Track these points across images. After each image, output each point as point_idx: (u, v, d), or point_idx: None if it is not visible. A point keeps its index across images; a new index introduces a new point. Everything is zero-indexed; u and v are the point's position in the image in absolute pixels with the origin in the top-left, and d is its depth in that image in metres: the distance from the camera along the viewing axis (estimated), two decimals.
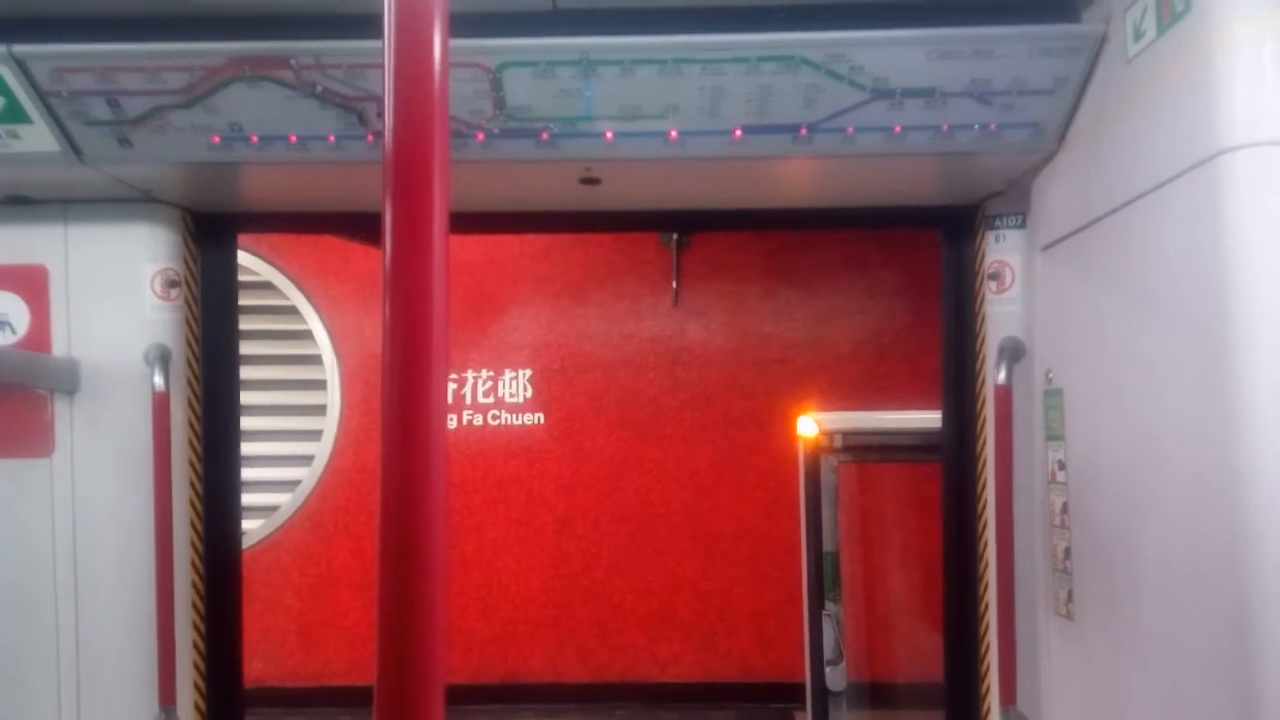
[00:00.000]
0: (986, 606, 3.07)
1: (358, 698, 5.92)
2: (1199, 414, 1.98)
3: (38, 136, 2.57)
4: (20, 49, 2.39)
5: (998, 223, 2.99)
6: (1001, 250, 2.99)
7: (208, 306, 3.14)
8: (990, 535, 3.01)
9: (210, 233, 3.18)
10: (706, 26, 2.39)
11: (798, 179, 2.89)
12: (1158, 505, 2.16)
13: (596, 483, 6.90)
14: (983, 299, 3.06)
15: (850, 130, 2.53)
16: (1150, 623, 2.20)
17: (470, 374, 6.85)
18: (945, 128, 2.53)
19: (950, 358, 3.18)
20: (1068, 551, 2.63)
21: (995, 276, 3.00)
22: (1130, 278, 2.26)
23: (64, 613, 2.96)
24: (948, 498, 3.19)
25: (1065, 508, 2.64)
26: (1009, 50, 2.38)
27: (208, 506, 3.16)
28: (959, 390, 3.15)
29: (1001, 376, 2.84)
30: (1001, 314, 2.99)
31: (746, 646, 6.90)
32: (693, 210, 3.18)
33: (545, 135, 2.57)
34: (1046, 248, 2.77)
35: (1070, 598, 2.62)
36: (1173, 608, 2.10)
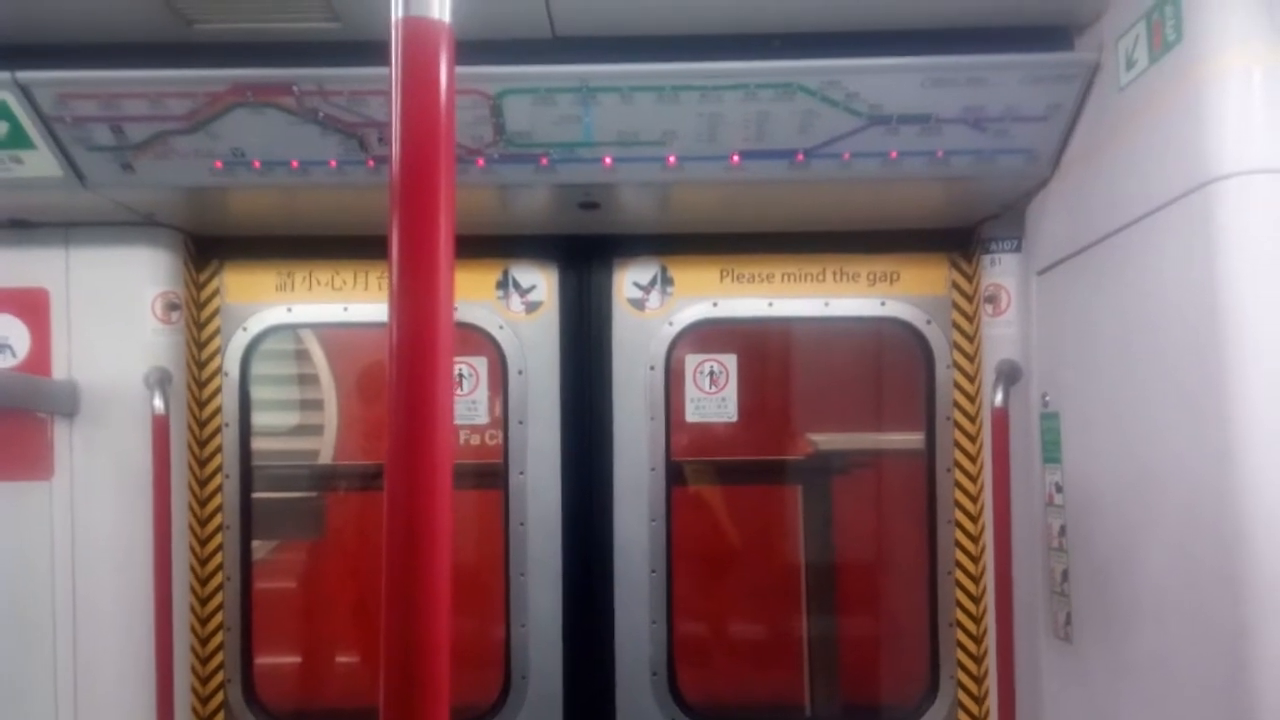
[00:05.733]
0: (986, 629, 3.07)
1: None
2: (1194, 437, 1.99)
3: (40, 161, 2.59)
4: (24, 75, 2.42)
5: (993, 246, 3.02)
6: (997, 274, 3.01)
7: None
8: (989, 558, 3.01)
9: (212, 256, 3.20)
10: (705, 54, 2.42)
11: (795, 203, 2.92)
12: (1154, 527, 2.17)
13: None
14: (979, 321, 3.08)
15: (846, 156, 2.56)
16: (1147, 645, 2.20)
17: None
18: (940, 153, 2.56)
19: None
20: (1066, 574, 2.64)
21: (991, 299, 3.02)
22: (1125, 303, 2.28)
23: (62, 635, 2.95)
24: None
25: (1063, 530, 2.65)
26: (1002, 78, 2.41)
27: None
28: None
29: (998, 399, 2.85)
30: (998, 336, 3.01)
31: None
32: (691, 234, 3.20)
33: (544, 160, 2.59)
34: (1042, 272, 2.79)
35: (1069, 620, 2.62)
36: (1169, 630, 2.11)
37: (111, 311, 3.00)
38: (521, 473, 3.22)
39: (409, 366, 1.06)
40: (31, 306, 2.99)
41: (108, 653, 2.98)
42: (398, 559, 1.06)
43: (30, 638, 2.95)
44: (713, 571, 3.80)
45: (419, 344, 1.06)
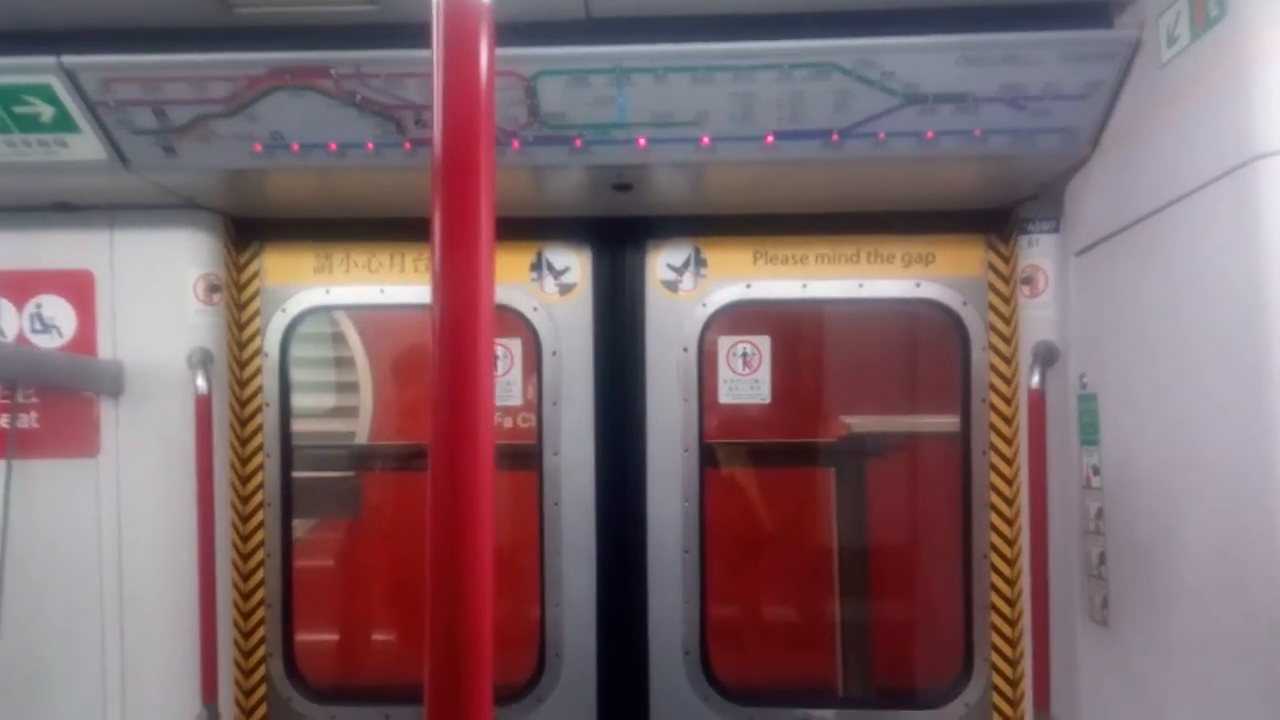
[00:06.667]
0: (1021, 612, 3.06)
1: None
2: (1236, 417, 1.97)
3: (85, 145, 2.64)
4: (70, 60, 2.46)
5: (1031, 227, 2.99)
6: (1035, 254, 2.98)
7: None
8: (1024, 541, 3.00)
9: (252, 238, 3.25)
10: (738, 34, 2.41)
11: (828, 183, 2.91)
12: (1196, 509, 2.15)
13: None
14: (1016, 303, 3.06)
15: (881, 135, 2.54)
16: (1188, 628, 2.19)
17: None
18: (977, 133, 2.53)
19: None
20: (1103, 557, 2.62)
21: (1028, 280, 3.00)
22: (1166, 283, 2.26)
23: (109, 608, 3.03)
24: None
25: (1100, 513, 2.63)
26: (1040, 55, 2.38)
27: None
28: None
29: (1035, 381, 2.83)
30: (1035, 318, 2.98)
31: None
32: (724, 216, 3.20)
33: (579, 142, 2.60)
34: (1080, 252, 2.76)
35: (1105, 603, 2.60)
36: (1211, 612, 2.09)
37: (155, 293, 3.06)
38: (556, 453, 3.25)
39: (451, 346, 1.08)
40: (77, 288, 3.05)
41: (153, 626, 3.05)
42: (441, 537, 1.07)
43: (78, 611, 3.03)
44: (745, 553, 3.81)
45: (461, 324, 1.08)
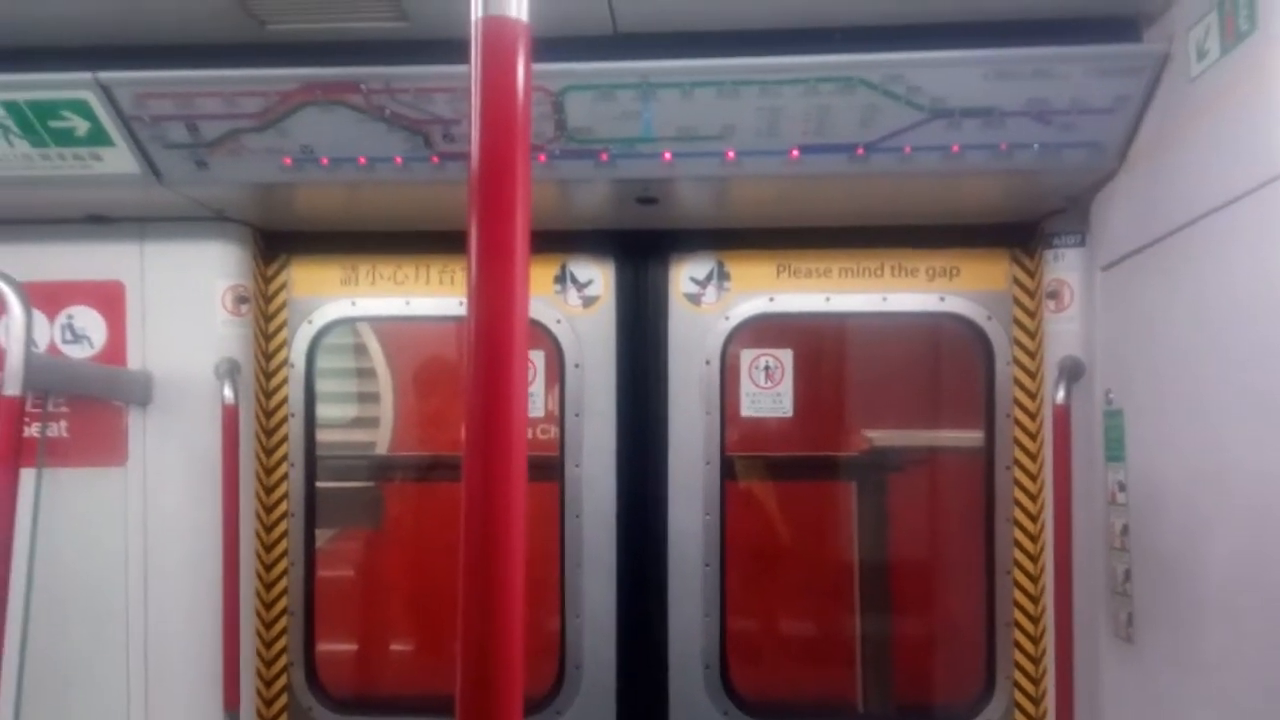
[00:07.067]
0: (1044, 629, 3.04)
1: None
2: (1265, 433, 1.95)
3: (119, 159, 2.68)
4: (105, 76, 2.50)
5: (1056, 241, 2.98)
6: (1060, 269, 2.98)
7: None
8: (1048, 557, 2.98)
9: (280, 251, 3.29)
10: (765, 48, 2.42)
11: (853, 197, 2.91)
12: (1223, 525, 2.13)
13: None
14: (1041, 317, 3.05)
15: (908, 150, 2.55)
16: (1215, 644, 2.17)
17: None
18: (1003, 147, 2.53)
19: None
20: (1128, 573, 2.60)
21: (1054, 295, 2.99)
22: (1193, 297, 2.24)
23: (134, 615, 3.06)
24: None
25: (1125, 529, 2.61)
26: (1068, 70, 2.38)
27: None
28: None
29: (1060, 396, 2.82)
30: (1060, 333, 2.97)
31: None
32: (748, 229, 3.21)
33: (604, 156, 2.62)
34: (1107, 267, 2.75)
35: (1130, 621, 2.58)
36: (1239, 630, 2.07)
37: (184, 304, 3.09)
38: (578, 465, 3.26)
39: (486, 357, 1.09)
40: (108, 299, 3.09)
41: (177, 634, 3.07)
42: (474, 546, 1.09)
43: (104, 617, 3.06)
44: (766, 567, 3.80)
45: (496, 336, 1.09)
